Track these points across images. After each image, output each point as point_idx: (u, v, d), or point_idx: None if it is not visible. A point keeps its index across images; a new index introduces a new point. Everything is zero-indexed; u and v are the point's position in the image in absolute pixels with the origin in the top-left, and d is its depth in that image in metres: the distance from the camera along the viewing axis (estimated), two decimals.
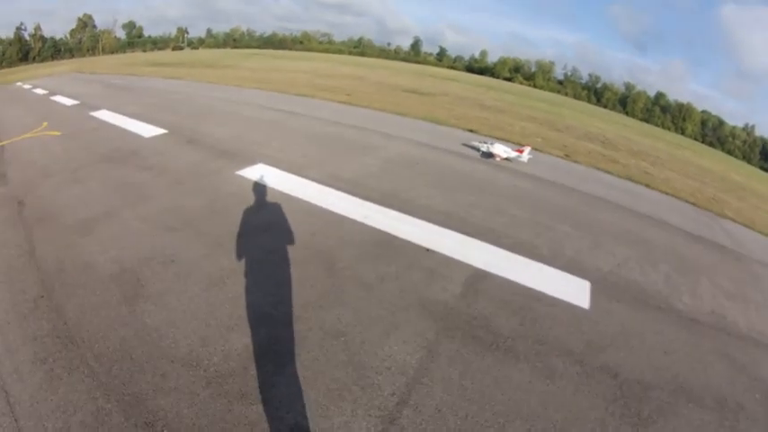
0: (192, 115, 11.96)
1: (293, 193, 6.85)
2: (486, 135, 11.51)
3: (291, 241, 5.41)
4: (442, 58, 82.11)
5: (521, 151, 9.17)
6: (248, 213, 6.19)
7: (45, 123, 12.38)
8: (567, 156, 11.49)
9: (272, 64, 33.17)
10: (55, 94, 19.85)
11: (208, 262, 4.98)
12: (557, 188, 8.53)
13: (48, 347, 3.70)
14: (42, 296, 4.44)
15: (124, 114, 12.34)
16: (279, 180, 7.34)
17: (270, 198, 6.78)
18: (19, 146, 10.23)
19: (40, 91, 22.89)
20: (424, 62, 71.33)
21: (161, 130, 10.23)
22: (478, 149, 9.35)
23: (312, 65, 33.56)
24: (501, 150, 9.06)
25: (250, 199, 6.61)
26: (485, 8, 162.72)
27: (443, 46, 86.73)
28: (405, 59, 70.41)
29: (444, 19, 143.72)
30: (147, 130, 10.30)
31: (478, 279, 4.98)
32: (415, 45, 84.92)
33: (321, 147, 9.34)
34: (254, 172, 7.69)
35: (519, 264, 5.39)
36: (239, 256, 5.05)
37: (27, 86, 27.64)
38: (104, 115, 12.49)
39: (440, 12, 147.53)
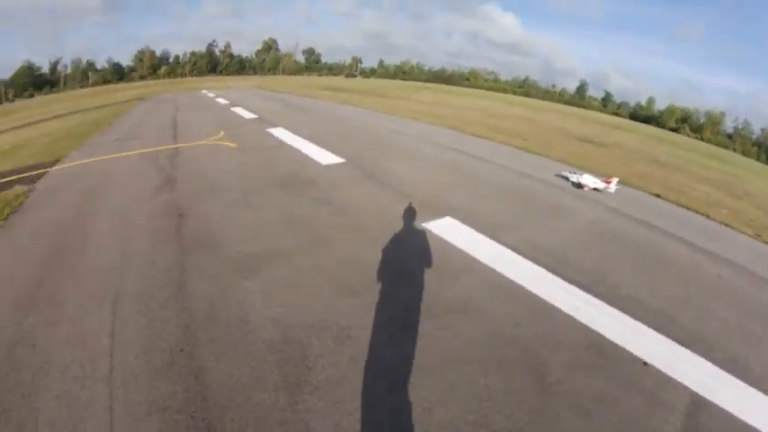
0: (369, 146, 11.93)
1: (488, 262, 5.74)
2: (672, 202, 10.00)
3: (492, 332, 4.26)
4: (606, 103, 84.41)
5: (608, 182, 9.57)
6: (438, 283, 5.14)
7: (222, 133, 13.58)
8: (758, 235, 9.06)
9: (442, 99, 34.65)
10: (236, 105, 22.66)
11: (392, 349, 3.92)
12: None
13: (177, 427, 3.04)
14: (182, 350, 3.84)
15: (301, 136, 13.10)
16: (470, 242, 6.25)
17: (461, 265, 5.65)
18: (193, 152, 11.09)
19: (222, 100, 26.66)
20: (589, 107, 72.15)
21: (338, 159, 10.16)
22: (568, 179, 9.82)
23: (481, 102, 34.40)
24: (590, 181, 9.53)
25: (439, 263, 5.56)
26: (655, 52, 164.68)
27: (608, 89, 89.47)
28: (569, 102, 71.62)
29: (611, 61, 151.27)
30: (324, 157, 10.34)
31: (698, 408, 3.81)
32: (581, 88, 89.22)
33: (511, 203, 8.18)
34: (442, 227, 6.73)
35: (741, 392, 4.03)
36: (430, 346, 3.95)
37: (211, 95, 33.05)
38: (281, 134, 13.27)
39: (608, 53, 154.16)
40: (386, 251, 5.79)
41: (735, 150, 63.79)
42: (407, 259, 5.63)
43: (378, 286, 4.90)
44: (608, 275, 6.05)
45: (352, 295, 4.71)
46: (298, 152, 11.09)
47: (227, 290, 4.69)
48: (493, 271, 5.54)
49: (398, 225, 6.68)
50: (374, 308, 4.48)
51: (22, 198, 8.48)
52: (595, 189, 9.44)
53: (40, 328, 4.31)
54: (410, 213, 7.16)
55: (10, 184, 9.64)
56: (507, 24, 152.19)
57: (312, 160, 10.28)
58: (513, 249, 6.20)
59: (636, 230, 8.07)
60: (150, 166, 10.06)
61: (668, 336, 5.01)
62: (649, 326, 5.06)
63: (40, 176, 10.03)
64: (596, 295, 5.38)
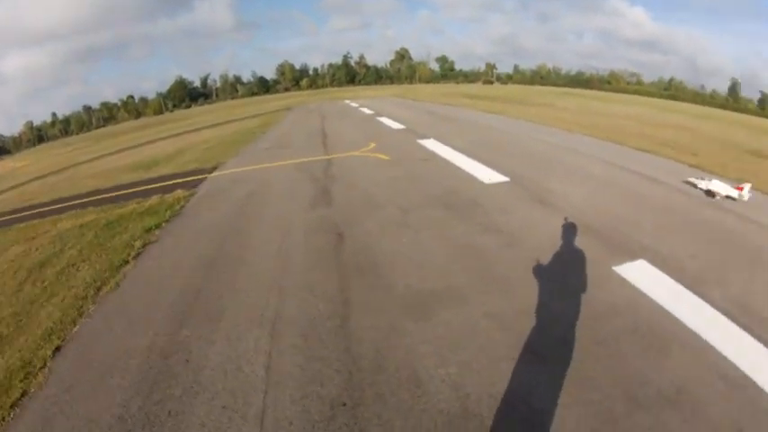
0: (529, 162, 11.09)
1: (695, 327, 4.36)
2: None
3: None
4: (765, 105, 75.93)
5: (740, 189, 8.75)
6: (641, 355, 4.04)
7: (372, 144, 13.74)
8: None
9: (587, 105, 32.25)
10: (380, 115, 23.27)
11: None
12: None
13: None
14: (345, 404, 3.46)
15: (453, 148, 12.75)
16: (670, 295, 5.00)
17: (667, 332, 4.40)
18: (346, 163, 11.25)
19: (366, 110, 27.68)
20: (744, 110, 61.71)
21: (501, 177, 9.48)
22: (696, 186, 9.22)
23: (630, 109, 30.97)
24: (721, 188, 8.77)
25: (639, 326, 4.43)
26: None
27: (764, 90, 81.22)
28: (722, 106, 62.72)
29: (763, 58, 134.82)
30: (485, 174, 9.76)
31: None
32: (733, 89, 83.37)
33: (705, 242, 6.54)
34: (636, 273, 5.56)
35: None
36: None
37: (354, 105, 34.68)
38: (433, 145, 13.04)
39: (758, 49, 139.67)
40: (572, 301, 4.86)
41: None
42: (599, 315, 4.63)
43: (567, 352, 4.03)
44: None
45: (538, 361, 3.92)
46: (454, 166, 10.68)
47: (394, 333, 4.26)
48: (699, 338, 4.30)
49: (583, 265, 5.69)
50: (566, 383, 3.65)
51: (183, 202, 9.25)
52: (728, 197, 8.73)
53: (194, 342, 4.40)
54: (595, 251, 6.12)
55: (172, 188, 10.66)
56: (638, 19, 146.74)
57: (471, 176, 9.73)
58: (724, 312, 4.79)
59: None
60: (305, 176, 10.57)
61: None
62: None
63: (200, 181, 10.94)
64: None
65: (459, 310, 4.63)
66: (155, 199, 10.04)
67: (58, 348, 4.52)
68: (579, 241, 6.35)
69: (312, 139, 16.81)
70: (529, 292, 5.02)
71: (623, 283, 5.32)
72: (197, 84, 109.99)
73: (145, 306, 5.22)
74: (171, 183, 11.59)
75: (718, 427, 3.36)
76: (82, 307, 5.34)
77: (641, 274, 5.54)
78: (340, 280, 5.32)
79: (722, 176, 9.91)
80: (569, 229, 6.75)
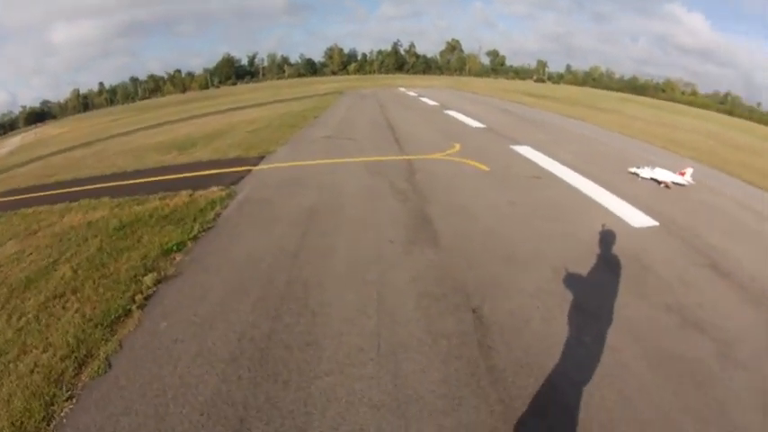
0: (659, 195, 8.30)
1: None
2: None
3: None
4: None
5: (683, 174, 9.27)
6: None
7: (457, 145, 11.20)
8: None
9: (655, 115, 29.02)
10: (448, 108, 20.83)
11: None
12: None
13: None
14: None
15: (560, 162, 10.01)
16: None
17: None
18: (433, 169, 8.91)
19: (428, 101, 25.08)
20: None
21: (648, 220, 6.93)
22: (638, 175, 9.35)
23: (701, 125, 28.22)
24: (666, 176, 9.11)
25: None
26: None
27: None
28: None
29: None
30: (626, 211, 7.20)
31: None
32: None
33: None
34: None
35: None
36: None
37: (411, 93, 32.06)
38: (534, 156, 10.53)
39: None
40: None
41: None
42: None
43: None
44: None
45: None
46: (579, 193, 8.04)
47: None
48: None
49: None
50: None
51: (219, 207, 7.01)
52: (675, 183, 9.06)
53: None
54: None
55: (207, 181, 8.39)
56: (695, 27, 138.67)
57: (609, 212, 7.05)
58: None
59: None
60: (383, 185, 8.00)
61: None
62: None
63: (241, 177, 8.66)
64: None
65: None
66: (183, 196, 7.73)
67: None
68: None
69: (378, 131, 14.14)
70: None
71: None
72: (244, 62, 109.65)
73: None
74: (206, 173, 9.28)
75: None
76: (52, 403, 3.21)
77: None
78: (499, 404, 2.95)
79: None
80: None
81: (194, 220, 6.50)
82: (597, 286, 4.69)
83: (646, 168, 9.51)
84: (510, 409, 2.99)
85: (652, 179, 9.18)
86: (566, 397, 3.11)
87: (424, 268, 4.87)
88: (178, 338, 3.76)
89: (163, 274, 4.94)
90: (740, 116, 61.36)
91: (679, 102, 67.01)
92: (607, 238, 5.95)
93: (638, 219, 6.94)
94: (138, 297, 4.47)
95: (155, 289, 4.66)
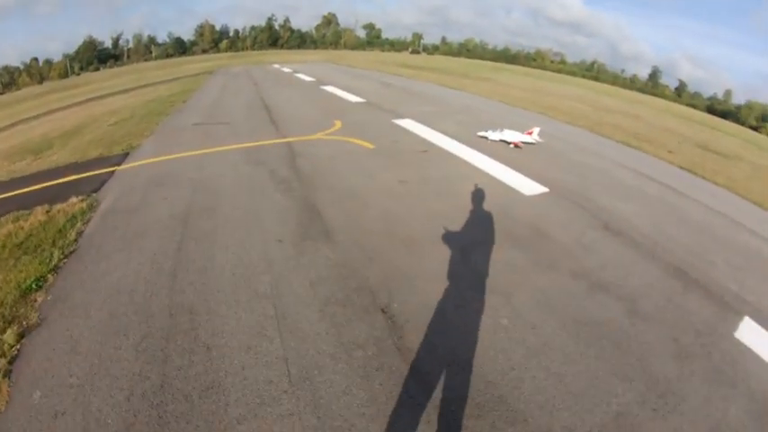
0: (552, 160, 8.89)
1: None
2: None
3: None
4: (681, 93, 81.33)
5: (530, 133, 10.02)
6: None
7: (338, 123, 10.75)
8: None
9: (527, 83, 31.40)
10: (324, 83, 20.31)
11: None
12: None
13: None
14: None
15: (442, 132, 10.17)
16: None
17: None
18: (316, 152, 8.46)
19: (304, 77, 24.22)
20: (662, 96, 67.99)
21: (537, 187, 7.17)
22: (487, 138, 9.82)
23: (570, 90, 30.75)
24: (516, 136, 9.74)
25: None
26: (728, 41, 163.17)
27: (678, 78, 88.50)
28: (641, 90, 67.10)
29: (681, 48, 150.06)
30: (517, 181, 7.37)
31: None
32: (654, 76, 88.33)
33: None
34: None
35: None
36: None
37: (286, 69, 30.86)
38: (416, 128, 10.55)
39: (677, 40, 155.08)
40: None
41: None
42: None
43: None
44: None
45: None
46: (465, 164, 8.14)
47: None
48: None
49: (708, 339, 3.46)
50: None
51: (80, 224, 5.80)
52: (525, 143, 9.69)
53: None
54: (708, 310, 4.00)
55: (66, 191, 7.08)
56: (567, 1, 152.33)
57: (502, 184, 7.20)
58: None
59: None
60: (263, 175, 7.27)
61: None
62: None
63: (104, 181, 7.48)
64: None
65: None
66: (39, 214, 6.19)
67: None
68: (679, 292, 4.07)
69: (253, 112, 13.04)
70: None
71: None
72: (108, 44, 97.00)
73: None
74: (64, 180, 7.77)
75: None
76: None
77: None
78: None
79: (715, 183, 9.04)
80: (656, 269, 4.48)
81: (53, 244, 5.25)
82: (504, 263, 4.64)
83: (494, 131, 9.88)
84: (449, 413, 2.76)
85: (501, 140, 9.61)
86: (500, 389, 2.96)
87: (321, 269, 4.40)
88: (58, 411, 2.86)
89: (24, 324, 3.81)
90: (605, 81, 67.30)
91: (549, 70, 72.05)
92: (504, 209, 5.99)
93: (526, 184, 7.14)
94: (2, 362, 3.49)
95: (18, 347, 3.62)
